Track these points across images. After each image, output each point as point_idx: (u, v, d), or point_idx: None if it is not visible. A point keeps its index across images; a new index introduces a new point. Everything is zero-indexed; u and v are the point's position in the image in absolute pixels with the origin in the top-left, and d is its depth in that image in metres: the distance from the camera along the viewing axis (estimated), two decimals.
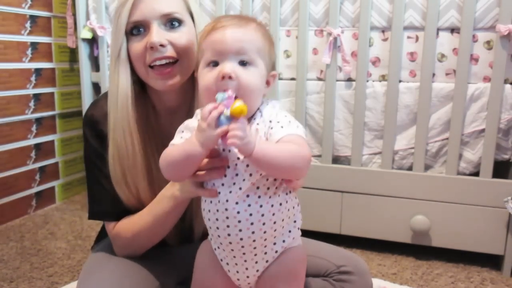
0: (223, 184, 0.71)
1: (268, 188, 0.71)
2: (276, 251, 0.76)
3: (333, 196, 1.59)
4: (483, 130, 1.44)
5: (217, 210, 0.71)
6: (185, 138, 0.73)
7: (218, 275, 0.78)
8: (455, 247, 1.49)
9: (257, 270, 0.76)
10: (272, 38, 0.77)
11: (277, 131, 0.69)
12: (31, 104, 1.96)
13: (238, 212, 0.70)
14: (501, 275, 1.45)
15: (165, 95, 0.90)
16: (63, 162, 2.17)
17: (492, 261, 1.52)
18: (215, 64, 0.70)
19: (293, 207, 0.76)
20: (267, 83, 0.75)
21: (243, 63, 0.70)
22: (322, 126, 1.58)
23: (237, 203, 0.70)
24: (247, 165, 0.69)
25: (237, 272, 0.77)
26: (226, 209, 0.70)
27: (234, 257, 0.74)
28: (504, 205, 1.39)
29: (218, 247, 0.77)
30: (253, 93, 0.70)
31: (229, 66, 0.68)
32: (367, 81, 1.52)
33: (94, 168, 0.92)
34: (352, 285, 0.91)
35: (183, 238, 0.99)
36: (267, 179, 0.71)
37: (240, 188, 0.70)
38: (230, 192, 0.70)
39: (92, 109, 0.93)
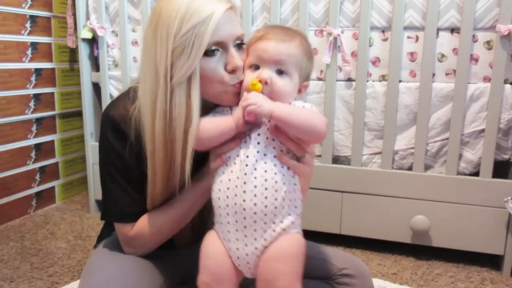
0: (238, 156, 0.79)
1: (275, 165, 0.77)
2: (274, 230, 0.77)
3: (333, 196, 1.59)
4: (483, 130, 1.44)
5: (229, 180, 0.78)
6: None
7: (223, 261, 0.81)
8: (455, 247, 1.50)
9: (256, 248, 0.78)
10: (312, 53, 0.86)
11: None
12: (31, 104, 1.96)
13: (245, 183, 0.76)
14: (501, 275, 1.45)
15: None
16: (63, 162, 2.17)
17: (492, 261, 1.52)
18: (257, 67, 0.80)
19: (295, 191, 0.80)
20: (299, 91, 0.84)
21: (280, 72, 0.80)
22: None
23: (245, 174, 0.76)
24: (258, 143, 0.78)
25: (237, 249, 0.79)
26: (238, 178, 0.77)
27: (237, 230, 0.78)
28: (504, 205, 1.39)
29: (222, 223, 0.81)
30: (283, 98, 0.79)
31: (267, 73, 0.78)
32: (367, 81, 1.52)
33: (112, 168, 0.90)
34: None
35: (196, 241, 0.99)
36: (274, 156, 0.78)
37: (248, 156, 0.78)
38: (241, 161, 0.78)
39: (113, 110, 0.90)
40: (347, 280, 0.93)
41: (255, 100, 0.75)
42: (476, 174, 1.46)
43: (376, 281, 1.36)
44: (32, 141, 1.99)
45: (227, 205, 0.78)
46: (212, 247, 0.82)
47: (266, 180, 0.76)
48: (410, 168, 1.54)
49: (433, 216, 1.48)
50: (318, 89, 1.59)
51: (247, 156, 0.77)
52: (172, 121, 0.82)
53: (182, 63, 0.79)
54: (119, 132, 0.88)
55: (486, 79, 1.42)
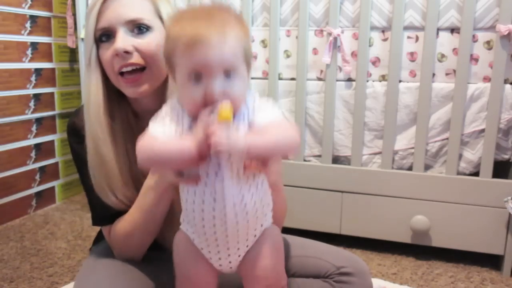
0: (207, 174, 0.70)
1: (248, 178, 0.72)
2: (255, 235, 0.77)
3: (333, 196, 1.59)
4: (483, 130, 1.44)
5: (203, 201, 0.71)
6: (168, 131, 0.72)
7: (200, 263, 0.78)
8: (455, 247, 1.50)
9: (239, 255, 0.77)
10: (244, 22, 0.72)
11: (261, 117, 0.71)
12: (31, 104, 1.96)
13: (225, 206, 0.71)
14: (501, 275, 1.45)
15: (142, 100, 0.90)
16: (63, 162, 2.17)
17: (492, 261, 1.52)
18: (197, 76, 0.67)
19: (268, 192, 0.78)
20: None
21: (228, 74, 0.68)
22: (322, 126, 1.58)
23: (221, 193, 0.70)
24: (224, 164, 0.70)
25: (220, 258, 0.77)
26: (215, 200, 0.71)
27: (218, 245, 0.75)
28: (504, 205, 1.39)
29: (199, 237, 0.76)
30: (241, 100, 0.70)
31: (218, 87, 0.66)
32: (367, 81, 1.52)
33: (81, 173, 0.92)
34: (352, 286, 0.91)
35: None
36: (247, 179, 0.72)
37: (223, 179, 0.70)
38: (215, 187, 0.71)
39: (74, 117, 0.93)
40: (346, 278, 0.92)
41: (226, 140, 0.62)
42: (476, 174, 1.46)
43: (376, 281, 1.35)
44: (32, 141, 1.99)
45: (204, 226, 0.73)
46: (186, 251, 0.78)
47: (243, 196, 0.71)
48: (410, 168, 1.54)
49: (433, 216, 1.48)
50: (318, 89, 1.59)
51: (222, 179, 0.70)
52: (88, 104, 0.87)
53: (84, 50, 0.88)
54: (80, 138, 0.89)
55: (486, 79, 1.42)
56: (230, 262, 0.78)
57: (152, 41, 0.83)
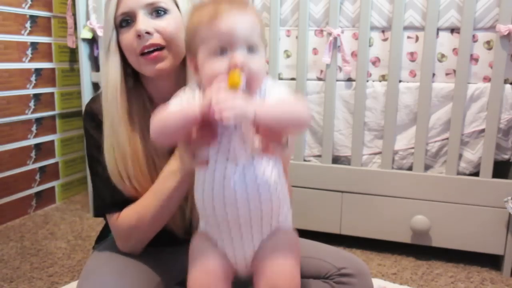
0: (216, 161, 0.72)
1: (262, 165, 0.72)
2: (271, 225, 0.77)
3: (333, 196, 1.59)
4: (483, 130, 1.44)
5: (213, 189, 0.72)
6: (183, 102, 0.74)
7: (215, 260, 0.77)
8: (455, 247, 1.50)
9: (254, 246, 0.76)
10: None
11: (272, 94, 0.74)
12: (31, 104, 1.96)
13: (235, 190, 0.71)
14: (501, 275, 1.45)
15: (159, 82, 0.92)
16: (63, 162, 2.17)
17: (492, 261, 1.52)
18: (222, 51, 0.69)
19: (284, 182, 0.78)
20: None
21: (250, 49, 0.70)
22: (322, 126, 1.58)
23: (234, 180, 0.71)
24: (242, 141, 0.71)
25: (234, 251, 0.77)
26: (224, 186, 0.71)
27: (232, 237, 0.75)
28: (504, 205, 1.39)
29: (214, 229, 0.77)
30: (260, 79, 0.73)
31: (241, 57, 0.68)
32: (367, 81, 1.52)
33: (94, 160, 0.92)
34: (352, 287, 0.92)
35: (188, 228, 0.97)
36: (258, 160, 0.72)
37: (236, 164, 0.71)
38: (226, 168, 0.71)
39: (90, 103, 0.95)
40: (346, 279, 0.92)
41: (232, 104, 0.63)
42: (476, 174, 1.46)
43: (376, 281, 1.36)
44: (32, 141, 1.99)
45: (216, 216, 0.73)
46: (202, 247, 0.77)
47: (257, 182, 0.71)
48: (410, 168, 1.54)
49: (433, 216, 1.48)
50: (318, 89, 1.59)
51: (236, 164, 0.71)
52: (105, 89, 0.89)
53: (103, 38, 0.91)
54: (97, 122, 0.91)
55: (486, 79, 1.42)
56: (244, 254, 0.77)
57: (171, 22, 0.87)
